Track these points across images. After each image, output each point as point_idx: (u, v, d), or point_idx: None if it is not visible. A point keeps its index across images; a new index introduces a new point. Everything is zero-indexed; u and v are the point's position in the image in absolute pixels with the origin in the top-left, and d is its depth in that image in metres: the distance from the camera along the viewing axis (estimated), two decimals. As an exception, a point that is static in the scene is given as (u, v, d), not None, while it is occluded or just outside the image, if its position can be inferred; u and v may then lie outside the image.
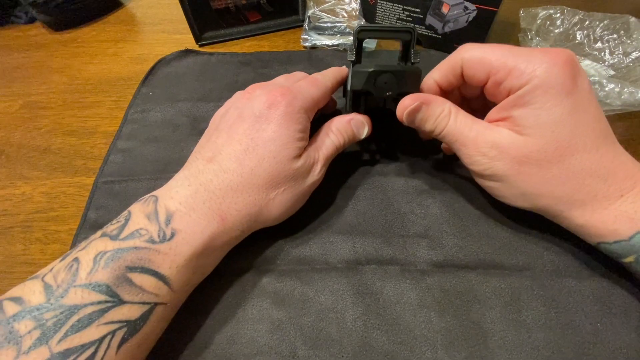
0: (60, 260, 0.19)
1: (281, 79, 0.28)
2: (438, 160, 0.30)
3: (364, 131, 0.27)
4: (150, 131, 0.34)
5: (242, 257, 0.25)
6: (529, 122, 0.21)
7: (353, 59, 0.27)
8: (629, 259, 0.20)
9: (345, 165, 0.30)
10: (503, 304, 0.23)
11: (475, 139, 0.22)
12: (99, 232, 0.20)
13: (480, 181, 0.24)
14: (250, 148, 0.23)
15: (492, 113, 0.23)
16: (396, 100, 0.25)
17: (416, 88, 0.25)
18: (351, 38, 0.42)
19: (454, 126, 0.23)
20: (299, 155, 0.24)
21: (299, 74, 0.29)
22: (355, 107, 0.28)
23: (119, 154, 0.32)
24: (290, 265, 0.25)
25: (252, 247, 0.26)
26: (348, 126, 0.27)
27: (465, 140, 0.23)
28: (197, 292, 0.24)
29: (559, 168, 0.21)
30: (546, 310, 0.23)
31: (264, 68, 0.40)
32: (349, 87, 0.26)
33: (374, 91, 0.25)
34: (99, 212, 0.28)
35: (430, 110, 0.24)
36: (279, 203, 0.24)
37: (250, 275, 0.25)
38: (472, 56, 0.23)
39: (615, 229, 0.20)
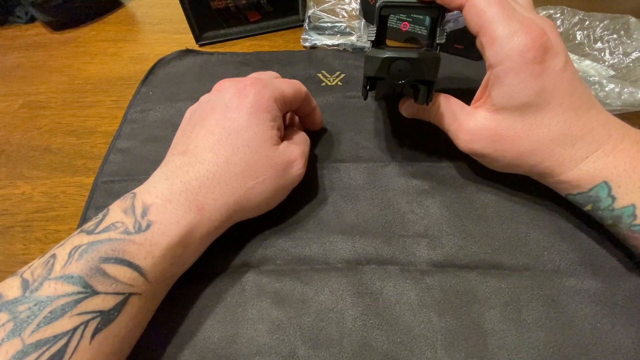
0: (40, 258, 0.19)
1: (253, 74, 0.28)
2: (438, 160, 0.30)
3: None
4: (150, 131, 0.34)
5: (242, 257, 0.25)
6: (502, 102, 0.23)
7: (373, 38, 0.25)
8: (588, 207, 0.23)
9: (345, 165, 0.30)
10: (503, 304, 0.23)
11: (457, 129, 0.26)
12: (78, 229, 0.21)
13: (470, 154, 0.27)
14: (223, 138, 0.23)
15: (480, 90, 0.25)
16: (414, 86, 0.25)
17: (433, 75, 0.24)
18: (352, 38, 0.42)
19: (440, 117, 0.27)
20: (275, 145, 0.24)
21: (273, 73, 0.29)
22: (371, 93, 0.27)
23: (118, 153, 0.32)
24: (290, 265, 0.25)
25: (252, 247, 0.26)
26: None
27: (449, 129, 0.26)
28: (196, 292, 0.24)
29: (529, 142, 0.23)
30: (546, 310, 0.23)
31: (264, 68, 0.40)
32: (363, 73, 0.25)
33: (388, 78, 0.24)
34: (99, 211, 0.28)
35: (420, 106, 0.27)
36: (258, 192, 0.24)
37: (250, 275, 0.25)
38: (476, 3, 0.22)
39: (578, 184, 0.23)
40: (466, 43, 0.38)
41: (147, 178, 0.31)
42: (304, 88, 0.28)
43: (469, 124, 0.25)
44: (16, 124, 0.37)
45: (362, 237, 0.26)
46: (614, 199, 0.22)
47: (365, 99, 0.27)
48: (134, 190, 0.22)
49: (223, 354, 0.22)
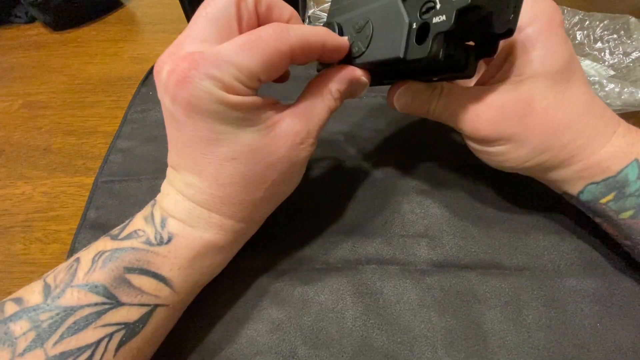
0: (66, 261, 0.19)
1: (201, 24, 0.18)
2: (438, 160, 0.30)
3: (362, 93, 0.22)
4: (150, 131, 0.34)
5: (243, 257, 0.25)
6: (533, 69, 0.20)
7: None
8: (609, 197, 0.21)
9: (345, 165, 0.30)
10: (503, 304, 0.23)
11: (472, 109, 0.21)
12: (106, 234, 0.20)
13: (482, 150, 0.22)
14: (198, 157, 0.18)
15: (494, 64, 0.22)
16: (465, 48, 0.18)
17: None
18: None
19: (447, 104, 0.22)
20: (267, 131, 0.19)
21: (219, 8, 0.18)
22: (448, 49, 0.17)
23: (118, 153, 0.32)
24: (290, 265, 0.25)
25: (253, 247, 0.26)
26: (350, 86, 0.21)
27: (461, 113, 0.21)
28: (197, 292, 0.24)
29: (563, 113, 0.20)
30: (546, 310, 0.23)
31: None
32: (465, 2, 0.15)
33: (495, 17, 0.16)
34: (99, 211, 0.28)
35: (419, 93, 0.22)
36: (273, 195, 0.21)
37: (251, 276, 0.25)
38: None
39: (608, 166, 0.20)
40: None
41: (148, 178, 0.31)
42: (283, 46, 0.17)
43: (492, 99, 0.20)
44: (16, 124, 0.37)
45: (362, 237, 0.26)
46: None
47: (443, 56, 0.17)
48: (156, 197, 0.21)
49: (223, 354, 0.22)
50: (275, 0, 0.20)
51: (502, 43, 0.20)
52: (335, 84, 0.20)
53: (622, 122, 0.21)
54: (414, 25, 0.17)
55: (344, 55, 0.21)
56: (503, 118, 0.20)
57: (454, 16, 0.16)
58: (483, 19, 0.16)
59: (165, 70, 0.17)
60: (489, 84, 0.22)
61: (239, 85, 0.17)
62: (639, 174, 0.20)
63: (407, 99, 0.22)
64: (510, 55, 0.20)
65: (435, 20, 0.17)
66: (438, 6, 0.17)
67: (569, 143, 0.20)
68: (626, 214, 0.21)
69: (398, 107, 0.23)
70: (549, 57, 0.20)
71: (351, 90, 0.21)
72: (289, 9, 0.20)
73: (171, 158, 0.20)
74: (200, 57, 0.16)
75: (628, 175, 0.20)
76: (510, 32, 0.18)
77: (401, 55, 0.18)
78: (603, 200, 0.21)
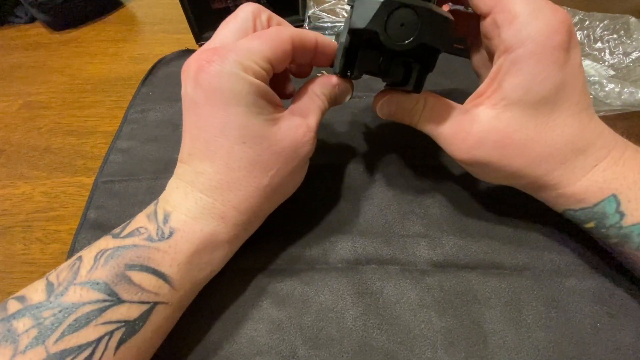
0: (68, 260, 0.19)
1: (223, 33, 0.22)
2: (438, 160, 0.30)
3: (347, 99, 0.25)
4: (150, 131, 0.34)
5: (243, 257, 0.25)
6: (516, 95, 0.19)
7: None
8: (590, 225, 0.21)
9: (345, 165, 0.30)
10: (503, 304, 0.23)
11: (454, 133, 0.22)
12: (108, 233, 0.20)
13: (462, 165, 0.24)
14: (210, 142, 0.20)
15: (486, 82, 0.21)
16: (408, 61, 0.19)
17: (442, 42, 0.18)
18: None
19: (429, 120, 0.22)
20: (273, 122, 0.21)
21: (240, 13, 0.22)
22: (347, 66, 0.21)
23: (118, 153, 0.32)
24: (290, 265, 0.25)
25: (252, 247, 0.26)
26: (334, 91, 0.23)
27: (441, 134, 0.22)
28: (197, 291, 0.24)
29: (542, 146, 0.20)
30: (546, 310, 0.23)
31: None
32: (348, 26, 0.18)
33: (384, 36, 0.17)
34: (99, 211, 0.28)
35: (402, 104, 0.23)
36: (276, 185, 0.21)
37: (251, 275, 0.25)
38: None
39: (583, 198, 0.20)
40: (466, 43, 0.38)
41: (148, 178, 0.31)
42: (285, 35, 0.21)
43: (471, 126, 0.21)
44: (16, 124, 0.37)
45: (362, 237, 0.26)
46: (622, 215, 0.19)
47: (342, 75, 0.22)
48: (160, 197, 0.22)
49: (223, 354, 0.22)
50: (283, 20, 0.23)
51: (495, 60, 0.21)
52: (320, 87, 0.23)
53: (613, 153, 0.20)
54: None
55: (333, 57, 0.24)
56: (480, 147, 0.21)
57: (349, 36, 0.19)
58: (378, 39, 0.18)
59: (191, 64, 0.20)
60: (478, 103, 0.21)
61: (255, 66, 0.19)
62: (617, 208, 0.20)
63: (389, 109, 0.24)
64: (497, 76, 0.20)
65: (344, 40, 0.20)
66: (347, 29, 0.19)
67: (544, 174, 0.21)
68: (609, 241, 0.21)
69: (381, 116, 0.24)
70: (535, 84, 0.19)
71: (335, 95, 0.24)
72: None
73: (183, 151, 0.21)
74: (221, 47, 0.20)
75: (605, 208, 0.20)
76: (429, 47, 0.18)
77: (336, 71, 0.22)
78: (586, 226, 0.21)
